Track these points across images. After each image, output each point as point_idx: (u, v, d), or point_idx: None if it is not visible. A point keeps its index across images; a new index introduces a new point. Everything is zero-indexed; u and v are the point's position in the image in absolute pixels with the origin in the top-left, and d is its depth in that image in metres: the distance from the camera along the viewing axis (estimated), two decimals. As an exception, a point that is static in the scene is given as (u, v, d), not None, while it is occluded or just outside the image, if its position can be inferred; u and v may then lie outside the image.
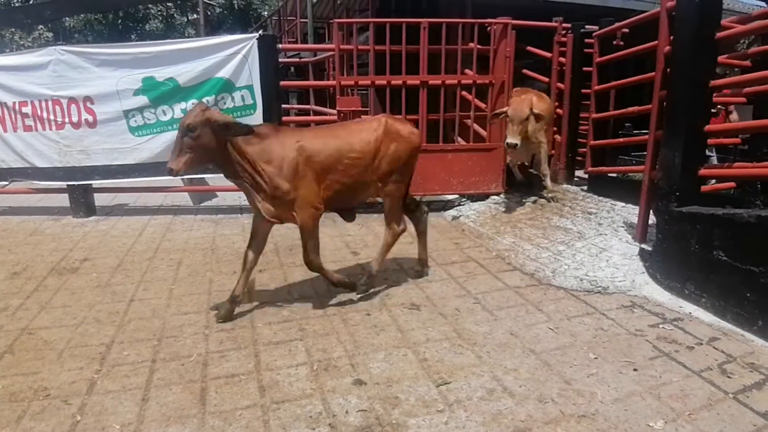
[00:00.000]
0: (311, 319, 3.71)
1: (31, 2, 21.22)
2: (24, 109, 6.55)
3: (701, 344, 3.31)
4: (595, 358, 3.15)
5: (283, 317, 3.74)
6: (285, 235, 5.77)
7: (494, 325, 3.57)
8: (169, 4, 23.26)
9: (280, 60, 6.94)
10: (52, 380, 2.98)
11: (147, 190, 7.05)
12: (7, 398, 2.82)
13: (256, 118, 6.41)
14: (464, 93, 7.09)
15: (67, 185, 6.74)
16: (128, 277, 4.59)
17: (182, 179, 7.08)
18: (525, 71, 8.09)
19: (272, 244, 5.46)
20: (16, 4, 21.82)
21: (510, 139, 5.72)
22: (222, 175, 3.78)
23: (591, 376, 2.95)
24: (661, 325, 3.57)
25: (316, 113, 9.31)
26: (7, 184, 7.04)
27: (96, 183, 6.78)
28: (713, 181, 5.10)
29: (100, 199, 7.09)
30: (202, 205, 7.40)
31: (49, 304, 4.04)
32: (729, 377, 2.94)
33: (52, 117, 6.50)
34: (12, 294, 4.25)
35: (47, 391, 2.87)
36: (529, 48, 7.76)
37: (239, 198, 7.47)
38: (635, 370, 3.02)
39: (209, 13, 22.53)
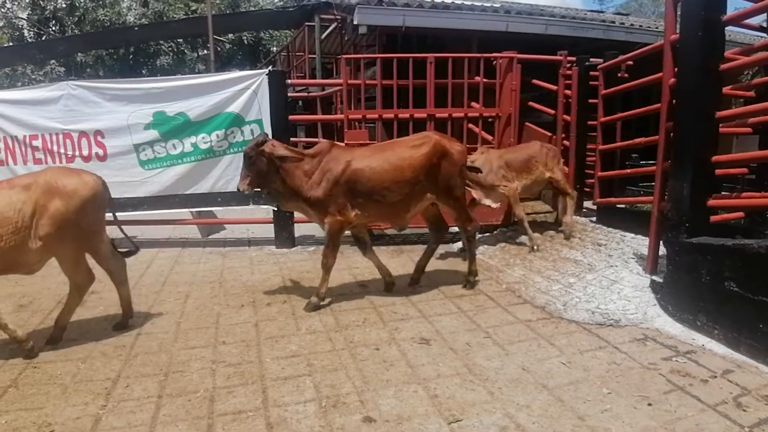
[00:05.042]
0: (319, 353, 3.67)
1: (44, 38, 21.71)
2: (34, 143, 6.64)
3: (715, 377, 3.25)
4: (609, 392, 3.09)
5: (291, 352, 3.71)
6: (292, 268, 5.76)
7: (506, 360, 3.52)
8: (180, 40, 23.68)
9: (288, 94, 7.02)
10: (56, 416, 2.94)
11: (155, 223, 7.07)
12: (10, 434, 2.79)
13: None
14: (471, 126, 7.14)
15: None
16: (135, 311, 4.56)
17: (191, 212, 7.12)
18: (531, 104, 8.14)
19: (279, 277, 5.45)
20: (30, 40, 22.28)
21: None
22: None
23: (605, 412, 2.89)
24: (674, 358, 3.50)
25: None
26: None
27: (105, 216, 6.81)
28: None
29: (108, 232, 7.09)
30: (210, 237, 7.41)
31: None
32: (744, 410, 2.87)
33: (62, 150, 6.58)
34: (18, 327, 4.18)
35: (51, 427, 2.84)
36: (534, 81, 7.83)
37: (247, 230, 7.48)
38: (649, 404, 2.96)
39: (219, 48, 22.92)
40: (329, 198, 4.41)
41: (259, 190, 4.62)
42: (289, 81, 7.06)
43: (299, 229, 6.89)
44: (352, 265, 5.76)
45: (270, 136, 6.37)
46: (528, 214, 7.46)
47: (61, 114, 6.52)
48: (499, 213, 6.80)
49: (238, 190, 4.51)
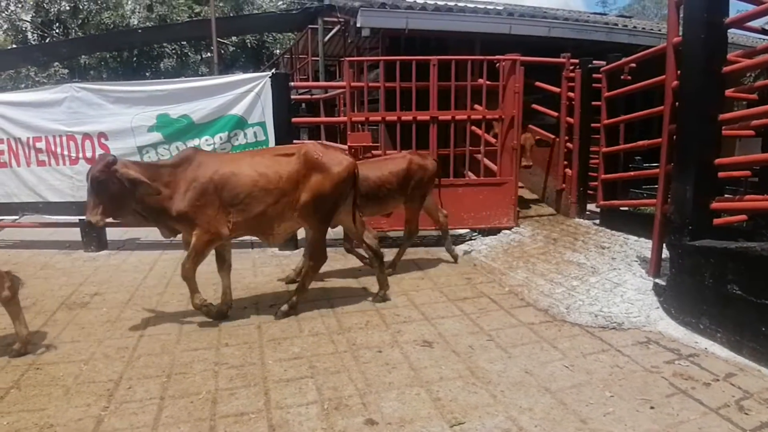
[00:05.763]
0: (322, 356, 3.67)
1: (47, 41, 21.78)
2: (38, 145, 6.67)
3: (718, 380, 3.24)
4: (612, 396, 3.08)
5: (294, 354, 3.71)
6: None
7: (508, 363, 3.51)
8: (183, 42, 23.76)
9: (291, 97, 7.03)
10: (58, 417, 2.95)
11: (158, 225, 7.07)
12: (13, 435, 2.79)
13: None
14: (474, 128, 7.15)
15: (79, 220, 6.79)
16: (138, 312, 4.57)
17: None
18: (534, 106, 8.15)
19: (285, 277, 5.45)
20: (33, 43, 22.36)
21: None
22: None
23: (607, 415, 2.88)
24: (677, 362, 3.50)
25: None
26: (18, 218, 7.10)
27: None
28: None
29: (111, 234, 7.12)
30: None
31: (57, 339, 4.03)
32: (747, 414, 2.87)
33: (66, 152, 6.60)
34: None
35: (53, 428, 2.84)
36: (537, 83, 7.84)
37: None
38: (652, 408, 2.95)
39: (222, 51, 22.97)
40: (197, 209, 4.06)
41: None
42: (292, 83, 7.07)
43: (302, 232, 6.88)
44: (355, 266, 5.76)
45: (273, 139, 6.44)
46: (531, 216, 7.49)
47: (64, 116, 6.54)
48: (502, 215, 6.79)
49: (89, 223, 3.92)
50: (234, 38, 24.51)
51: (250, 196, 4.14)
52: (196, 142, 6.45)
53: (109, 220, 4.03)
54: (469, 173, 7.17)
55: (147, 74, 22.77)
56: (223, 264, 4.55)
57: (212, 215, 4.10)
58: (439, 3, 9.63)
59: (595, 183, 7.02)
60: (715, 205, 4.08)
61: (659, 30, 10.68)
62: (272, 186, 4.17)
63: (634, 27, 10.98)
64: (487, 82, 6.73)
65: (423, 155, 5.72)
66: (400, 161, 5.48)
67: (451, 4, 9.75)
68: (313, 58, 13.08)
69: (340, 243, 5.76)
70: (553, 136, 7.82)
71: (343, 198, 4.46)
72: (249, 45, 25.01)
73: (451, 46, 9.29)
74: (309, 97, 11.55)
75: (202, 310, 4.30)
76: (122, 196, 3.87)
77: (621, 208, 6.79)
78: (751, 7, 4.07)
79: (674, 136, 4.35)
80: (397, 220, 5.84)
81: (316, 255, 4.51)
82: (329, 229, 4.65)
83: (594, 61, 7.21)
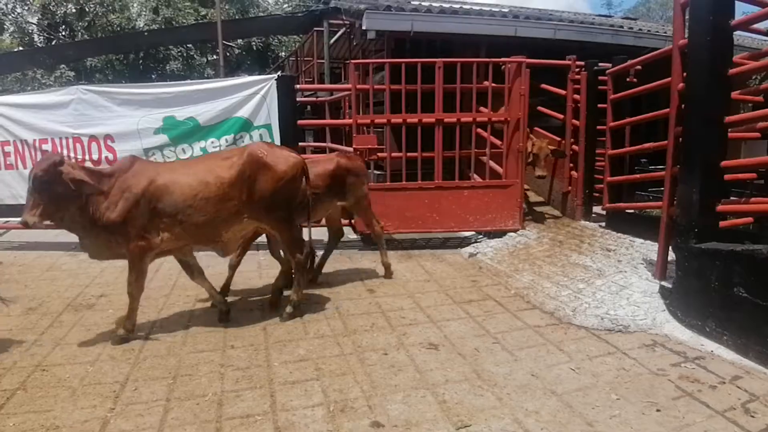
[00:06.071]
0: (328, 358, 3.67)
1: (54, 43, 21.90)
2: (44, 147, 6.70)
3: (724, 383, 3.23)
4: (618, 398, 3.08)
5: (300, 356, 3.71)
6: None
7: (514, 366, 3.51)
8: (189, 45, 23.83)
9: (297, 99, 7.04)
10: (64, 418, 2.96)
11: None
12: (19, 437, 2.80)
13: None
14: (479, 130, 7.14)
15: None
16: (144, 314, 4.57)
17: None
18: (540, 108, 8.14)
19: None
20: (40, 45, 22.48)
21: None
22: None
23: (614, 418, 2.88)
24: (683, 364, 3.49)
25: (332, 151, 9.40)
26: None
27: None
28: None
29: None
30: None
31: (63, 341, 4.05)
32: (752, 417, 2.86)
33: (72, 154, 6.63)
34: (27, 330, 4.26)
35: (59, 430, 2.85)
36: (543, 85, 7.82)
37: (265, 235, 7.48)
38: (658, 410, 2.94)
39: (228, 54, 23.00)
40: (128, 220, 3.85)
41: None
42: (297, 86, 7.09)
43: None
44: (360, 269, 5.76)
45: (279, 141, 6.45)
46: (538, 218, 7.47)
47: (71, 118, 6.58)
48: (508, 218, 6.78)
49: (26, 224, 3.68)
50: (240, 41, 24.59)
51: (191, 207, 3.97)
52: (202, 144, 6.48)
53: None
54: (475, 176, 7.16)
55: (153, 77, 22.87)
56: (193, 271, 4.44)
57: (142, 227, 3.92)
58: (445, 5, 9.63)
59: (601, 185, 7.01)
60: (721, 207, 4.07)
61: (665, 32, 10.65)
62: (213, 193, 4.00)
63: (640, 29, 10.97)
64: (493, 85, 6.73)
65: (351, 158, 5.56)
66: (325, 164, 5.26)
67: (457, 6, 9.75)
68: (319, 61, 13.09)
69: (344, 246, 5.77)
70: (559, 139, 7.81)
71: (299, 195, 4.35)
72: (254, 48, 25.11)
73: (457, 49, 9.28)
74: (314, 99, 11.55)
75: (118, 336, 4.02)
76: (65, 198, 3.70)
77: (627, 211, 6.76)
78: (756, 10, 4.06)
79: (680, 139, 4.35)
80: (403, 222, 5.83)
81: (294, 251, 4.42)
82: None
83: (600, 64, 7.20)
